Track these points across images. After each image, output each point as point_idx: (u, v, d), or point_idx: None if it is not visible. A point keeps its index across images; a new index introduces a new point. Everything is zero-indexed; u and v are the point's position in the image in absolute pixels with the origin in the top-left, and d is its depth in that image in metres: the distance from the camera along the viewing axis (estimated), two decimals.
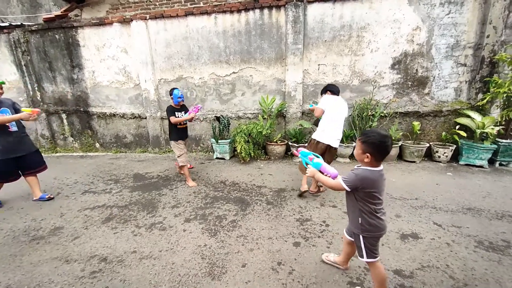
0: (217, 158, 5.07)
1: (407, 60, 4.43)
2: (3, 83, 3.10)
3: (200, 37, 4.99)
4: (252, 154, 4.75)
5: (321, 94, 3.36)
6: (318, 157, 1.77)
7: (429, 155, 4.57)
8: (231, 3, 4.70)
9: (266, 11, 4.62)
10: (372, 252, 1.58)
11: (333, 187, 1.60)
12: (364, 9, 4.32)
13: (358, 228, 1.58)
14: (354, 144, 4.59)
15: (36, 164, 3.41)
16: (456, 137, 4.26)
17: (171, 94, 3.71)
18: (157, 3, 5.19)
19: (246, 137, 4.67)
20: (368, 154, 1.45)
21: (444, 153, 4.34)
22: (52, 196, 3.49)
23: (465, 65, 4.29)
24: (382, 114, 4.54)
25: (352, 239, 1.72)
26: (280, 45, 4.75)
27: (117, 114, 5.72)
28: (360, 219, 1.55)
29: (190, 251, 2.25)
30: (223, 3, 4.81)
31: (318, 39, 4.59)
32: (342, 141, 4.63)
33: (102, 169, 4.66)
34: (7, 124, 3.03)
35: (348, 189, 1.51)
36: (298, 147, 3.98)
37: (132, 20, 5.04)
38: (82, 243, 2.44)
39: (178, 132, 3.79)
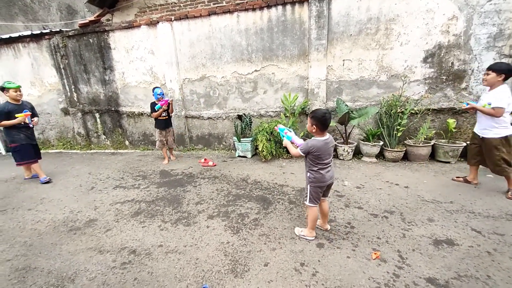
0: (239, 156, 5.11)
1: (441, 52, 4.11)
2: (20, 86, 3.96)
3: (222, 36, 5.04)
4: (274, 153, 4.72)
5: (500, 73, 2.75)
6: (290, 131, 2.33)
7: (465, 155, 4.21)
8: (253, 1, 4.68)
9: (288, 7, 4.54)
10: (314, 199, 2.21)
11: (294, 154, 2.21)
12: (393, 0, 4.08)
13: (307, 180, 2.22)
14: (381, 143, 4.38)
15: (38, 154, 4.37)
16: None
17: (153, 91, 4.65)
18: (181, 4, 5.32)
19: (268, 136, 4.65)
20: (314, 126, 2.08)
21: None
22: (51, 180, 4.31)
23: (510, 56, 3.88)
24: (413, 111, 4.28)
25: (324, 198, 2.33)
26: (303, 41, 4.65)
27: (144, 113, 5.98)
28: (309, 173, 2.19)
29: (213, 248, 2.29)
30: (246, 1, 4.80)
31: (343, 34, 4.42)
32: (368, 140, 4.46)
33: (131, 166, 4.91)
34: (27, 122, 3.91)
35: (303, 154, 2.14)
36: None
37: (158, 22, 5.22)
38: (114, 235, 2.59)
39: (158, 122, 4.76)
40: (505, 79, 2.77)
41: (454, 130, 4.11)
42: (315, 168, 2.14)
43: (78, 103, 6.48)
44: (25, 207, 3.34)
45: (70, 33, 5.94)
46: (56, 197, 3.61)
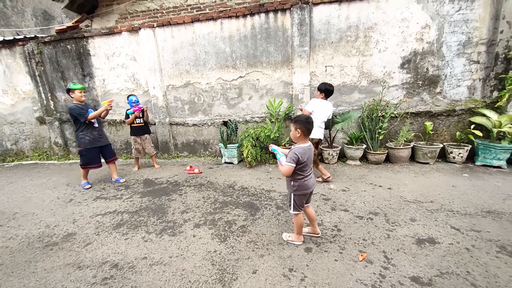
0: (225, 162, 5.07)
1: (417, 59, 4.33)
2: (84, 87, 3.99)
3: (206, 43, 5.04)
4: (260, 158, 4.72)
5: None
6: (279, 153, 2.24)
7: (443, 156, 4.43)
8: (237, 8, 4.73)
9: (271, 14, 4.63)
10: (298, 206, 2.20)
11: (285, 172, 2.09)
12: (370, 9, 4.27)
13: (291, 188, 2.18)
14: (364, 146, 4.51)
15: (112, 153, 4.37)
16: (472, 137, 4.11)
17: (127, 99, 4.68)
18: (164, 11, 5.29)
19: (253, 141, 4.66)
20: (298, 130, 2.05)
21: (459, 153, 4.19)
22: (125, 181, 4.36)
23: (478, 62, 4.17)
24: (393, 115, 4.45)
25: (307, 204, 2.31)
26: (286, 48, 4.74)
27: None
28: (292, 182, 2.15)
29: (200, 257, 2.23)
30: (229, 8, 4.85)
31: (324, 41, 4.56)
32: (351, 143, 4.58)
33: None
34: (92, 120, 3.96)
35: (293, 165, 2.03)
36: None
37: (140, 29, 5.15)
38: (94, 249, 2.46)
39: (133, 129, 4.79)
40: (326, 96, 3.61)
41: (431, 132, 4.31)
42: (300, 177, 2.11)
43: (55, 112, 6.19)
44: None
45: (46, 39, 5.71)
46: (30, 211, 3.39)
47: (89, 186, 4.16)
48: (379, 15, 4.27)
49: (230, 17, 4.78)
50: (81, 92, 3.90)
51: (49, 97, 6.09)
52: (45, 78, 5.97)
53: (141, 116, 4.72)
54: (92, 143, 4.00)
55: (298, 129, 2.05)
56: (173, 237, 2.57)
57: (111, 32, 5.34)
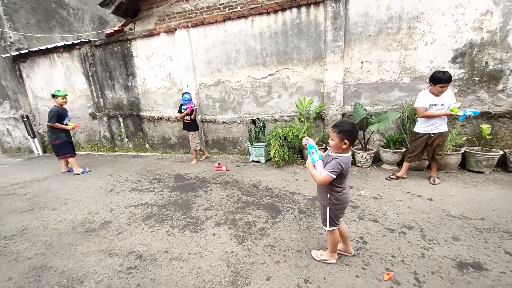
0: (252, 161, 5.07)
1: (473, 51, 3.74)
2: (66, 95, 4.87)
3: (237, 41, 5.06)
4: (287, 159, 4.61)
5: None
6: (318, 153, 1.86)
7: (503, 164, 3.79)
8: (268, 5, 4.64)
9: (303, 9, 4.43)
10: (334, 222, 1.96)
11: (320, 181, 1.80)
12: None
13: (327, 201, 1.94)
14: (403, 149, 4.08)
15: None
16: None
17: (182, 96, 4.95)
18: (198, 11, 5.44)
19: (281, 141, 4.56)
20: (345, 141, 1.74)
21: None
22: (89, 169, 5.23)
23: None
24: None
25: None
26: (319, 43, 4.50)
27: (163, 118, 6.18)
28: (329, 195, 1.91)
29: (216, 257, 2.26)
30: (260, 5, 4.78)
31: (361, 34, 4.21)
32: (388, 147, 4.20)
33: (149, 169, 5.08)
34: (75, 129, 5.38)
35: (335, 177, 1.75)
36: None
37: (176, 29, 5.38)
38: (124, 238, 2.66)
39: (183, 124, 5.21)
40: None
41: (488, 136, 3.71)
42: (338, 189, 1.87)
43: (104, 108, 6.88)
44: (50, 206, 3.57)
45: (97, 43, 6.33)
46: (78, 198, 3.83)
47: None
48: (427, 2, 3.77)
49: (261, 14, 4.71)
50: (63, 99, 4.78)
51: (99, 95, 6.78)
52: (96, 78, 6.65)
53: (190, 113, 4.93)
54: (67, 137, 4.93)
55: (345, 141, 1.74)
56: (194, 234, 2.65)
57: (150, 34, 5.69)
